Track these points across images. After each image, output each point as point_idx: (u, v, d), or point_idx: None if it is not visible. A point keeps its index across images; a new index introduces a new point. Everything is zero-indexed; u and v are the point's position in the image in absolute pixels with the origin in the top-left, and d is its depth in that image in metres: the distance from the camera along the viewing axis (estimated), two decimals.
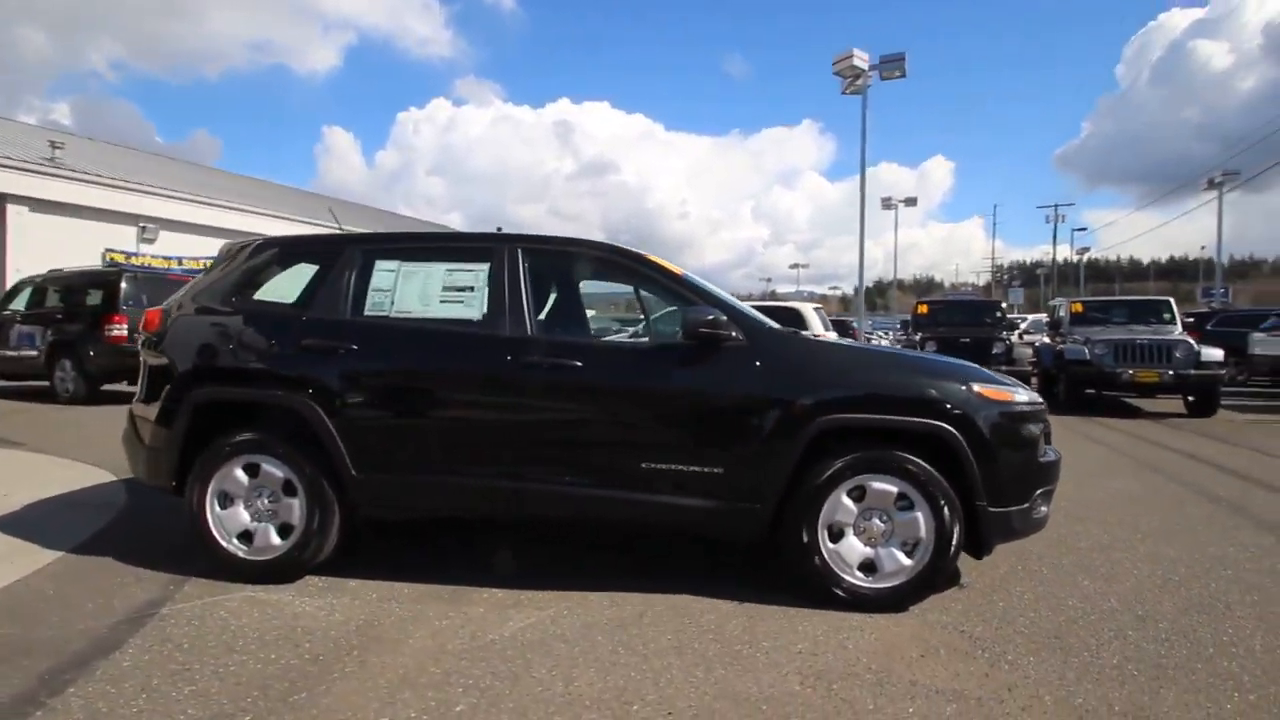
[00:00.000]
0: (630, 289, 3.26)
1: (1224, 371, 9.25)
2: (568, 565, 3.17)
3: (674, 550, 3.38)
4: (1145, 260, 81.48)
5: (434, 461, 2.83)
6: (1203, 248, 61.70)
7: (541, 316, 3.08)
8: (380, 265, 3.03)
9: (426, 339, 2.92)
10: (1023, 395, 2.80)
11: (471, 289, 2.97)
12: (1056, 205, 48.87)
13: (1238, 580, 3.07)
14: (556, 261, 3.23)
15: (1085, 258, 52.75)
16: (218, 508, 2.87)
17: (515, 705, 1.98)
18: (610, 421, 2.80)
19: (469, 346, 2.87)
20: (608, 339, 3.35)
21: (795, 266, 72.13)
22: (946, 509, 2.56)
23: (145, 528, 3.62)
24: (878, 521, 2.65)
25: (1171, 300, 10.68)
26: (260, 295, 3.09)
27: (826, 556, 2.64)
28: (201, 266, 10.94)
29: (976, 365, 3.01)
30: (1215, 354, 8.84)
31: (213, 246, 7.09)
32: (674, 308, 3.06)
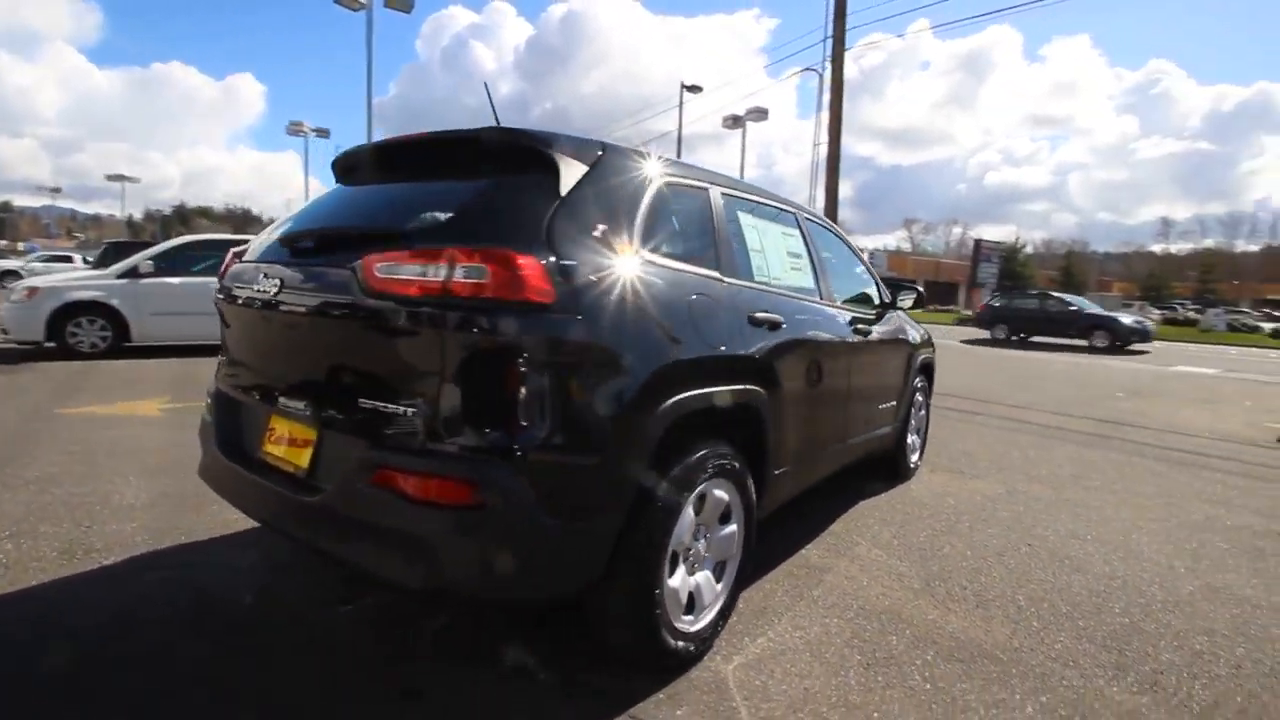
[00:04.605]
0: None
1: None
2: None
3: None
4: None
5: (815, 442, 2.64)
6: None
7: None
8: (744, 220, 2.35)
9: (819, 311, 2.56)
10: None
11: (800, 256, 2.72)
12: None
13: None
14: (813, 229, 3.11)
15: None
16: (667, 579, 1.84)
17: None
18: (875, 376, 3.28)
19: (833, 318, 2.71)
20: (862, 308, 3.38)
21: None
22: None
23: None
24: (913, 420, 4.22)
25: None
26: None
27: (908, 450, 4.05)
28: None
29: None
30: None
31: None
32: None
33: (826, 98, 16.40)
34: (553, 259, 1.57)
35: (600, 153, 1.87)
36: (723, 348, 2.00)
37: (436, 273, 1.48)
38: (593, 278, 1.63)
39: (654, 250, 1.89)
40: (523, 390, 1.50)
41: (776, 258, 2.57)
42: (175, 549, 2.65)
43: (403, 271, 1.51)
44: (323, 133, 31.52)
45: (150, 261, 8.33)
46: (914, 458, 4.25)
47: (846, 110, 14.50)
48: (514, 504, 1.49)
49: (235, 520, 2.95)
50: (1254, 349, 20.86)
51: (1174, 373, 12.27)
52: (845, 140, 15.02)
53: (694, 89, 22.73)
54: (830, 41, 18.45)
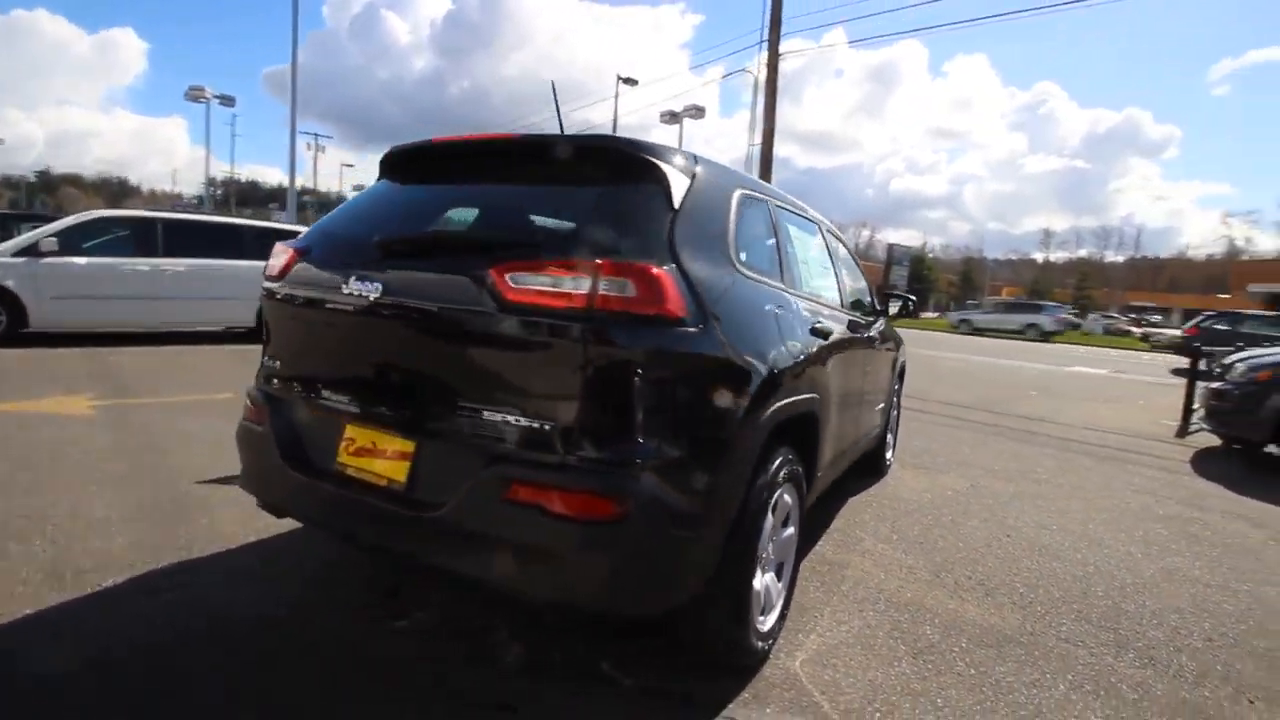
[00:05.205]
0: None
1: None
2: None
3: None
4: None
5: (841, 444, 2.77)
6: None
7: None
8: (791, 231, 2.43)
9: (845, 319, 2.68)
10: None
11: (827, 266, 2.83)
12: (317, 135, 52.06)
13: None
14: (830, 238, 3.21)
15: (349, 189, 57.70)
16: (754, 582, 1.90)
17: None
18: (876, 379, 3.46)
19: (853, 325, 2.83)
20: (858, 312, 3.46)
21: None
22: None
23: None
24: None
25: None
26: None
27: (886, 448, 4.31)
28: None
29: None
30: None
31: None
32: None
33: (759, 98, 16.89)
34: (679, 272, 1.58)
35: (697, 165, 1.88)
36: (800, 358, 2.07)
37: (578, 285, 1.46)
38: (709, 291, 1.66)
39: (742, 263, 1.93)
40: (660, 403, 1.52)
41: (815, 268, 2.68)
42: (179, 566, 2.44)
43: (541, 283, 1.47)
44: (227, 100, 29.20)
45: (54, 239, 7.49)
46: (889, 455, 4.52)
47: None
48: (653, 517, 1.50)
49: (234, 532, 2.75)
50: (1129, 351, 23.36)
51: (1072, 373, 13.56)
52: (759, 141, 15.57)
53: (630, 82, 22.84)
54: (766, 47, 18.89)
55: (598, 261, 1.47)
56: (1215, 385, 5.66)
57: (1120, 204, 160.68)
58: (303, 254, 1.92)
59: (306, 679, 1.84)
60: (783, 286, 2.18)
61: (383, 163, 2.14)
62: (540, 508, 1.45)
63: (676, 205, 1.72)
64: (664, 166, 1.76)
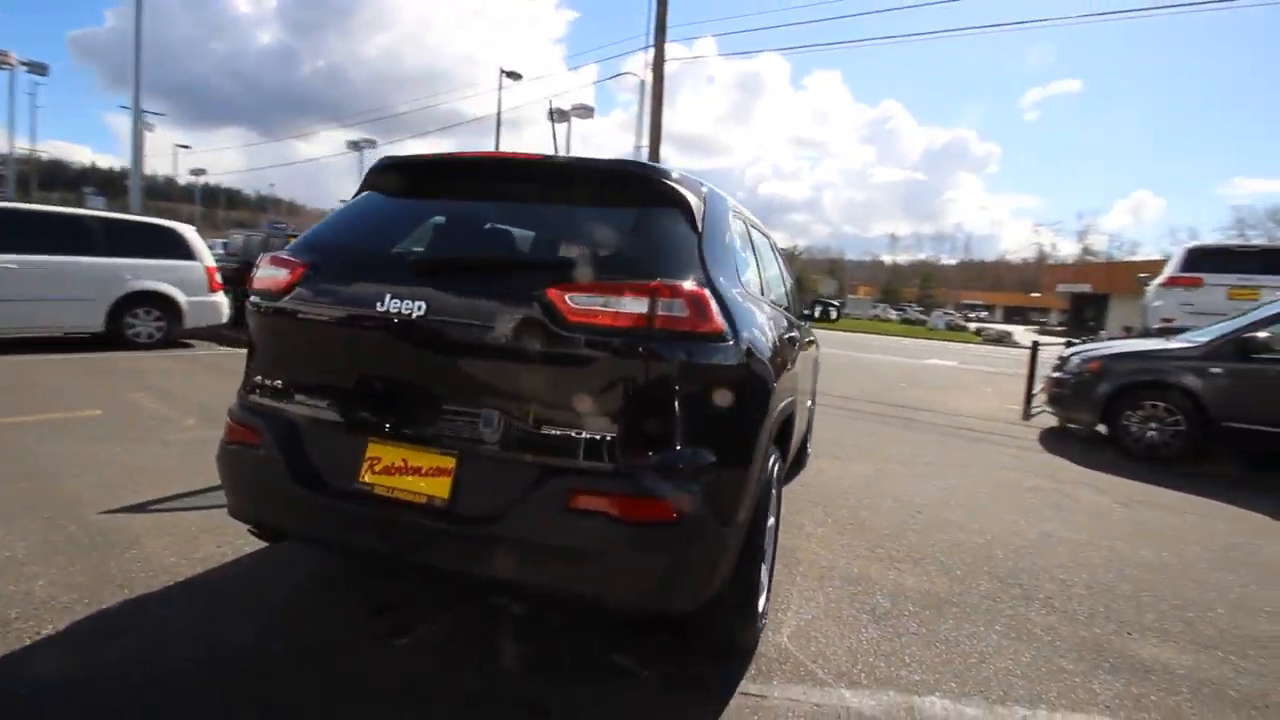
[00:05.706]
0: None
1: None
2: None
3: None
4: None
5: (796, 438, 3.01)
6: (272, 185, 76.62)
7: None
8: (759, 246, 2.64)
9: (797, 325, 2.89)
10: None
11: (779, 275, 3.06)
12: (145, 111, 46.21)
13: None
14: (777, 251, 3.41)
15: (201, 181, 51.93)
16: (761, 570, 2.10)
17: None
18: (810, 377, 3.76)
19: (801, 329, 3.07)
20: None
21: None
22: None
23: None
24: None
25: None
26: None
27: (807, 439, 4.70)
28: None
29: None
30: None
31: None
32: None
33: (645, 99, 17.31)
34: (713, 290, 1.71)
35: (704, 189, 2.02)
36: (787, 365, 2.28)
37: (636, 306, 1.55)
38: (733, 308, 1.80)
39: (741, 279, 2.08)
40: (703, 411, 1.64)
41: (776, 279, 2.92)
42: (126, 604, 2.21)
43: (601, 304, 1.55)
44: (38, 68, 25.16)
45: None
46: (808, 446, 4.93)
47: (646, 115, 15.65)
48: (702, 517, 1.62)
49: (174, 563, 2.52)
50: (969, 344, 26.60)
51: (928, 365, 15.24)
52: (645, 144, 16.11)
53: (514, 75, 22.45)
54: (652, 50, 19.37)
55: (654, 283, 1.57)
56: (1054, 374, 6.70)
57: (952, 212, 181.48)
58: (309, 269, 1.83)
59: (310, 702, 1.77)
60: (764, 299, 2.38)
61: (373, 173, 2.07)
62: (602, 514, 1.53)
63: (699, 228, 1.85)
64: (686, 192, 1.89)
